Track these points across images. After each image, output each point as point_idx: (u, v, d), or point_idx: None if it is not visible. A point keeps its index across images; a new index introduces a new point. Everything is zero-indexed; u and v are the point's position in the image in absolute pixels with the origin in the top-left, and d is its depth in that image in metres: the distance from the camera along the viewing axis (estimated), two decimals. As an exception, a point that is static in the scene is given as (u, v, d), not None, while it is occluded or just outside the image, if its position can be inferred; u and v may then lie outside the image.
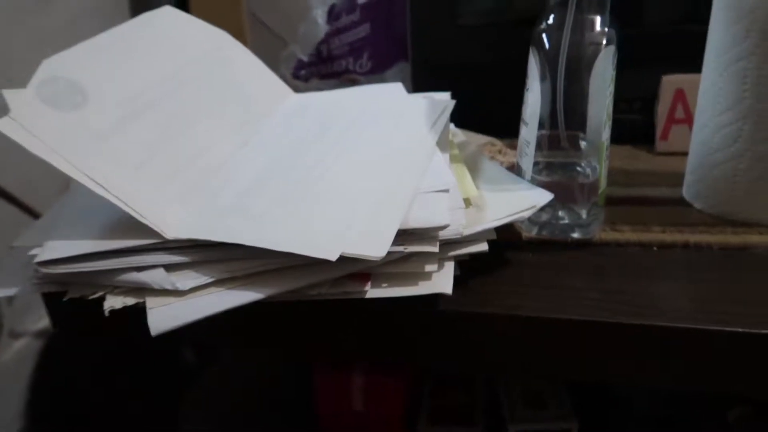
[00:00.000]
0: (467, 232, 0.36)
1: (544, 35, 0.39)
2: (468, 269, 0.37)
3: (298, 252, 0.32)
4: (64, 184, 0.43)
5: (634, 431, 0.55)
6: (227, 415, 0.62)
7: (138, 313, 0.34)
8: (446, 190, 0.37)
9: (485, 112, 0.55)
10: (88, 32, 0.42)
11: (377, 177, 0.38)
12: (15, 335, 0.68)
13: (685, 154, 0.53)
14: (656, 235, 0.41)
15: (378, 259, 0.32)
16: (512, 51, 0.62)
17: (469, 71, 0.63)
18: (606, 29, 0.38)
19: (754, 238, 0.40)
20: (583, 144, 0.43)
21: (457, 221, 0.35)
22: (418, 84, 0.65)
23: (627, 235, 0.42)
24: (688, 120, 0.54)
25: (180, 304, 0.34)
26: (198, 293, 0.35)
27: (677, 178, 0.48)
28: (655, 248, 0.41)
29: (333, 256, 0.31)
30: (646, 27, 0.56)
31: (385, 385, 0.53)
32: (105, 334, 0.41)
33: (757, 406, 0.54)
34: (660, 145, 0.55)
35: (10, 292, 0.37)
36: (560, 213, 0.43)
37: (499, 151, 0.56)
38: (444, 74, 0.64)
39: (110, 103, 0.39)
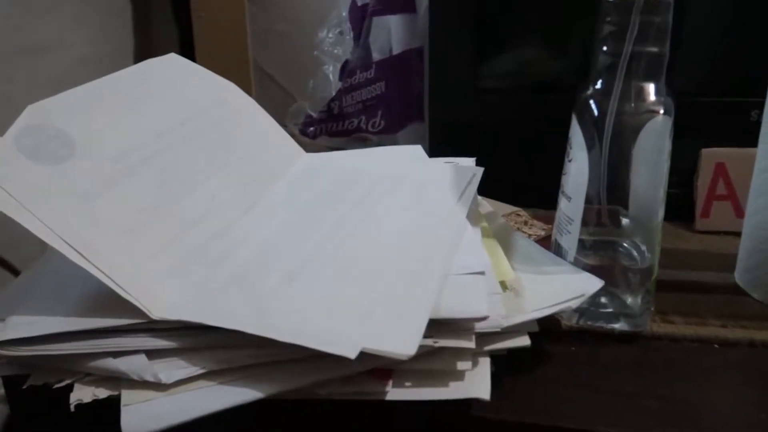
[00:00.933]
0: (507, 323, 0.30)
1: (591, 101, 0.35)
2: (502, 363, 0.32)
3: (311, 346, 0.26)
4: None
5: None
6: None
7: (113, 406, 0.29)
8: (482, 273, 0.32)
9: (505, 179, 0.51)
10: (88, 80, 0.38)
11: (402, 254, 0.33)
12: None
13: (729, 233, 0.49)
14: (715, 330, 0.36)
15: (406, 357, 0.26)
16: (535, 117, 0.59)
17: (488, 136, 0.59)
18: (662, 98, 0.34)
19: (829, 338, 0.35)
20: (624, 221, 0.39)
21: (495, 311, 0.30)
22: (434, 147, 0.61)
23: (681, 328, 0.37)
24: (731, 197, 0.50)
25: (162, 401, 0.28)
26: (184, 387, 0.29)
27: (725, 261, 0.43)
28: (716, 345, 0.35)
29: (352, 353, 0.26)
30: (683, 96, 0.53)
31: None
32: (71, 429, 0.34)
33: None
34: (700, 223, 0.51)
35: (-37, 373, 0.32)
36: (602, 299, 0.38)
37: (525, 223, 0.51)
38: (462, 138, 0.60)
39: (101, 158, 0.35)
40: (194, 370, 0.29)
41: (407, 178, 0.42)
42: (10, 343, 0.29)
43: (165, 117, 0.40)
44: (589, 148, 0.35)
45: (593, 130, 0.35)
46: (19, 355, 0.29)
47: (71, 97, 0.36)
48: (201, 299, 0.31)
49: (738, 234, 0.44)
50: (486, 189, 0.49)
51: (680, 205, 0.53)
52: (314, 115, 0.68)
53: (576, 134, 0.36)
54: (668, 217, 0.53)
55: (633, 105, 0.34)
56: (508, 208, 0.52)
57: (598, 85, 0.35)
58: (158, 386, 0.29)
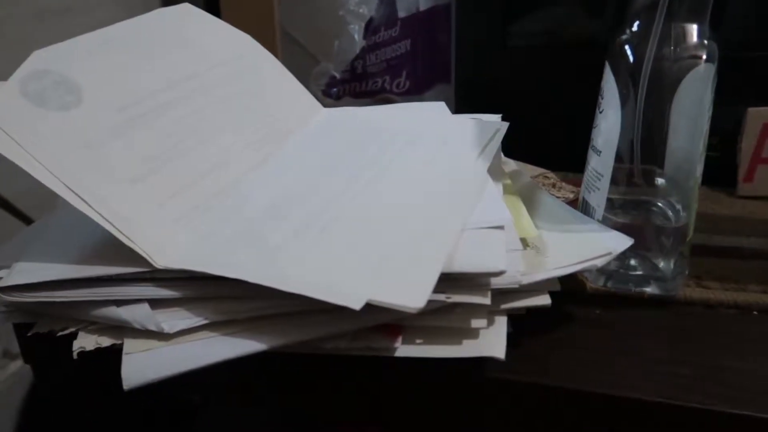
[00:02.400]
0: (526, 280, 0.28)
1: (627, 46, 0.32)
2: (521, 325, 0.30)
3: (314, 296, 0.25)
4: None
5: None
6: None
7: (116, 355, 0.28)
8: (501, 227, 0.30)
9: (535, 141, 0.49)
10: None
11: (417, 208, 0.31)
12: (11, 356, 0.62)
13: (774, 199, 0.46)
14: (756, 296, 0.34)
15: (414, 311, 0.25)
16: (567, 75, 0.56)
17: (517, 96, 0.57)
18: (705, 41, 0.31)
19: None
20: (659, 181, 0.36)
21: (513, 267, 0.28)
22: (460, 108, 0.59)
23: (718, 294, 0.34)
24: (778, 160, 0.46)
25: (163, 351, 0.27)
26: (187, 338, 0.28)
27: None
28: (755, 312, 0.33)
29: (358, 304, 0.24)
30: (729, 50, 0.49)
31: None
32: (77, 377, 0.34)
33: None
34: (743, 188, 0.47)
35: (-29, 320, 0.31)
36: (632, 262, 0.35)
37: (553, 185, 0.49)
38: (490, 99, 0.58)
39: (109, 106, 0.34)
40: (197, 321, 0.28)
41: (428, 132, 0.40)
42: (14, 289, 0.29)
43: (178, 67, 0.39)
44: (623, 98, 0.32)
45: (628, 78, 0.33)
46: (22, 301, 0.29)
47: (78, 45, 0.35)
48: (207, 249, 0.30)
49: (784, 199, 0.41)
50: (514, 151, 0.47)
51: (721, 169, 0.50)
52: (337, 75, 0.66)
53: (609, 83, 0.34)
54: (708, 182, 0.50)
55: (673, 50, 0.31)
56: (536, 170, 0.50)
57: (635, 28, 0.32)
58: (161, 336, 0.28)
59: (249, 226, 0.31)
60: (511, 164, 0.43)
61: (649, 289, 0.34)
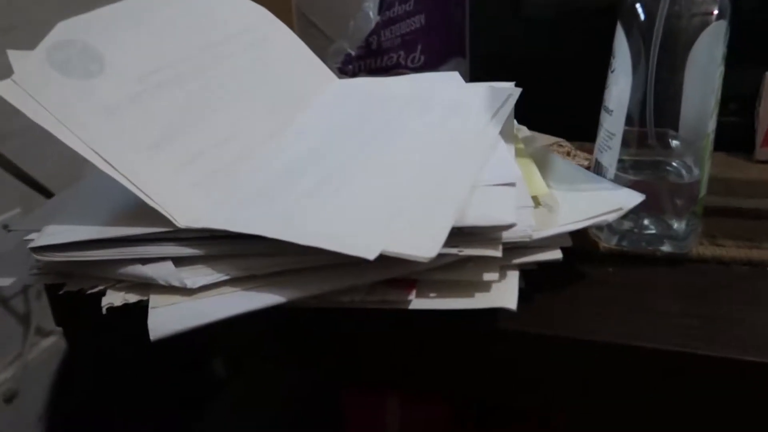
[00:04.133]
0: (537, 235, 0.29)
1: (638, 5, 0.32)
2: (534, 282, 0.30)
3: (329, 248, 0.26)
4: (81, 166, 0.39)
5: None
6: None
7: (142, 312, 0.29)
8: (512, 184, 0.30)
9: (550, 111, 0.49)
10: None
11: (428, 166, 0.32)
12: (43, 333, 0.65)
13: (792, 163, 0.46)
14: (769, 253, 0.34)
15: (426, 261, 0.25)
16: (581, 45, 0.56)
17: (532, 67, 0.56)
18: (718, -3, 0.31)
19: None
20: (674, 143, 0.36)
21: (524, 221, 0.29)
22: (476, 80, 0.59)
23: (731, 251, 0.34)
24: (797, 123, 0.46)
25: (187, 305, 0.29)
26: (209, 293, 0.29)
27: (785, 190, 0.40)
28: (768, 269, 0.33)
29: (371, 255, 0.25)
30: (746, 13, 0.48)
31: (426, 413, 0.46)
32: (106, 334, 0.36)
33: None
34: (761, 153, 0.47)
35: (6, 282, 0.33)
36: (645, 222, 0.35)
37: (567, 153, 0.49)
38: (505, 70, 0.57)
39: (130, 74, 0.35)
40: (219, 277, 0.29)
41: (440, 98, 0.40)
42: (46, 250, 0.30)
43: (196, 38, 0.40)
44: (635, 58, 0.33)
45: (639, 38, 0.33)
46: (53, 260, 0.30)
47: (102, 15, 0.36)
48: (225, 209, 0.31)
49: (802, 163, 0.41)
50: (529, 121, 0.47)
51: (739, 134, 0.50)
52: (353, 52, 0.67)
53: (620, 43, 0.34)
54: (726, 147, 0.50)
55: (685, 6, 0.31)
56: (551, 139, 0.50)
57: (646, -14, 0.32)
58: (184, 291, 0.29)
59: (266, 187, 0.33)
60: (524, 131, 0.44)
61: (663, 248, 0.35)
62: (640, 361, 0.28)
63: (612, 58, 0.35)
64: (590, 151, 0.49)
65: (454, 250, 0.28)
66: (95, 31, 0.35)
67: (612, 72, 0.34)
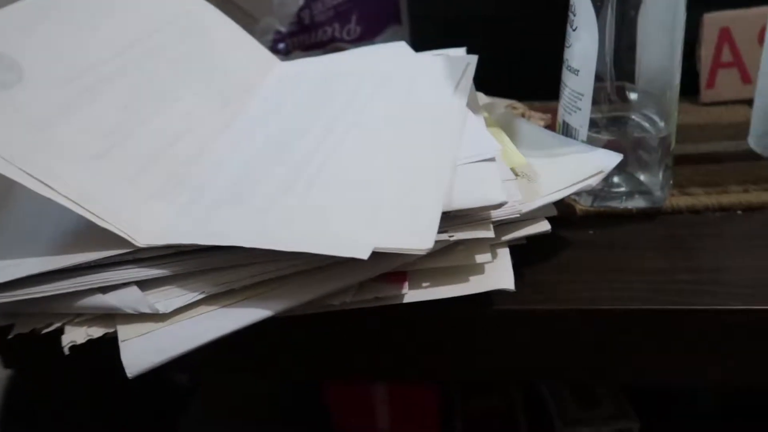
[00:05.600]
0: (525, 209, 0.28)
1: (595, -43, 0.31)
2: (520, 255, 0.30)
3: (318, 252, 0.24)
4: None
5: (701, 425, 0.49)
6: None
7: (110, 343, 0.26)
8: (492, 159, 0.29)
9: (497, 72, 0.48)
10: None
11: (402, 150, 0.30)
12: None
13: (736, 102, 0.47)
14: (738, 196, 0.34)
15: (424, 252, 0.24)
16: (521, 2, 0.55)
17: (476, 26, 0.55)
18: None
19: None
20: (632, 96, 0.36)
21: (512, 197, 0.28)
22: (417, 48, 0.57)
23: (702, 198, 0.35)
24: (738, 63, 0.47)
25: (162, 332, 0.26)
26: (185, 315, 0.26)
27: (737, 130, 0.41)
28: (739, 212, 0.34)
29: (365, 253, 0.23)
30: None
31: (413, 395, 0.45)
32: (70, 374, 0.32)
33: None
34: (706, 95, 0.48)
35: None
36: (615, 179, 0.35)
37: (522, 115, 0.48)
38: (447, 31, 0.56)
39: (53, 81, 0.31)
40: (193, 297, 0.27)
41: (396, 73, 0.38)
42: (-14, 291, 0.27)
43: (122, 32, 0.36)
44: (598, 11, 0.32)
45: (599, -8, 0.32)
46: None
47: (8, 15, 0.31)
48: (190, 221, 0.28)
49: (746, 101, 0.42)
50: (477, 85, 0.46)
51: (683, 78, 0.50)
52: (283, 29, 0.63)
53: (580, -1, 0.33)
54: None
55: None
56: (503, 102, 0.49)
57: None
58: (156, 317, 0.26)
59: (230, 190, 0.30)
60: (483, 98, 0.42)
61: (636, 204, 0.35)
62: (649, 323, 0.28)
63: (572, 14, 0.33)
64: (542, 110, 0.49)
65: (444, 236, 0.26)
66: (5, 36, 0.30)
67: (574, 30, 0.33)
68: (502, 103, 0.48)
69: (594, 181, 0.30)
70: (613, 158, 0.31)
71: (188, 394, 0.65)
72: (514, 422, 0.47)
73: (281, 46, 0.64)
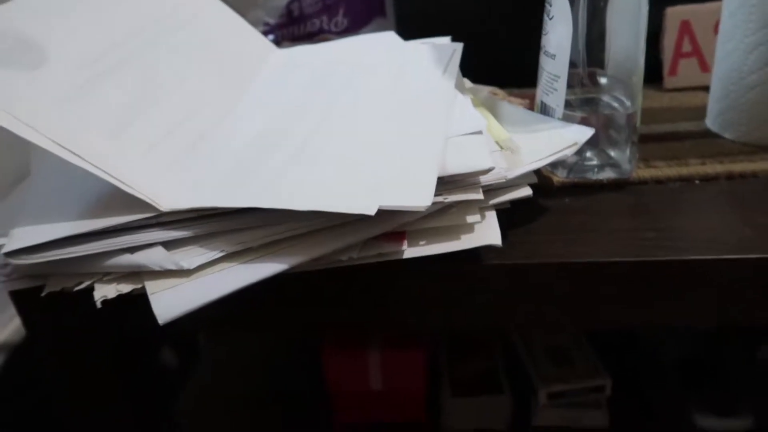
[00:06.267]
0: (510, 175, 0.32)
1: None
2: (505, 219, 0.33)
3: (329, 210, 0.27)
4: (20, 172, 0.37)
5: (665, 378, 0.53)
6: (229, 408, 0.57)
7: (136, 300, 0.29)
8: (479, 132, 0.32)
9: (479, 61, 0.51)
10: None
11: (399, 123, 0.33)
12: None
13: (696, 88, 0.51)
14: (696, 168, 0.38)
15: (423, 210, 0.27)
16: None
17: (458, 17, 0.59)
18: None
19: (798, 163, 0.38)
20: (602, 80, 0.40)
21: (498, 164, 0.31)
22: (402, 37, 0.60)
23: (665, 170, 0.39)
24: (697, 53, 0.51)
25: (188, 286, 0.29)
26: (207, 271, 0.29)
27: (695, 112, 0.46)
28: (697, 182, 0.38)
29: (371, 210, 0.27)
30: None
31: (404, 358, 0.48)
32: (94, 334, 0.35)
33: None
34: (669, 81, 0.52)
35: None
36: (587, 154, 0.39)
37: (503, 100, 0.52)
38: (430, 23, 0.59)
39: (74, 62, 0.33)
40: (214, 255, 0.29)
41: (387, 60, 0.42)
42: (21, 253, 0.29)
43: (133, 20, 0.38)
44: (571, 2, 0.35)
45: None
46: (33, 262, 0.29)
47: (24, 3, 0.34)
48: (208, 186, 0.31)
49: (705, 88, 0.46)
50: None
51: (648, 66, 0.55)
52: (272, 21, 0.66)
53: (556, -10, 0.36)
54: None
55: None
56: (485, 88, 0.52)
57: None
58: (181, 273, 0.29)
59: (243, 159, 0.33)
60: (466, 83, 0.46)
61: (607, 175, 0.38)
62: (620, 274, 0.31)
63: (548, 4, 0.37)
64: (521, 97, 0.52)
65: (440, 198, 0.29)
66: (27, 20, 0.33)
67: (550, 19, 0.37)
68: (484, 89, 0.51)
69: (570, 152, 0.33)
70: (586, 132, 0.34)
71: (181, 379, 0.67)
72: (496, 381, 0.51)
73: (270, 37, 0.66)
